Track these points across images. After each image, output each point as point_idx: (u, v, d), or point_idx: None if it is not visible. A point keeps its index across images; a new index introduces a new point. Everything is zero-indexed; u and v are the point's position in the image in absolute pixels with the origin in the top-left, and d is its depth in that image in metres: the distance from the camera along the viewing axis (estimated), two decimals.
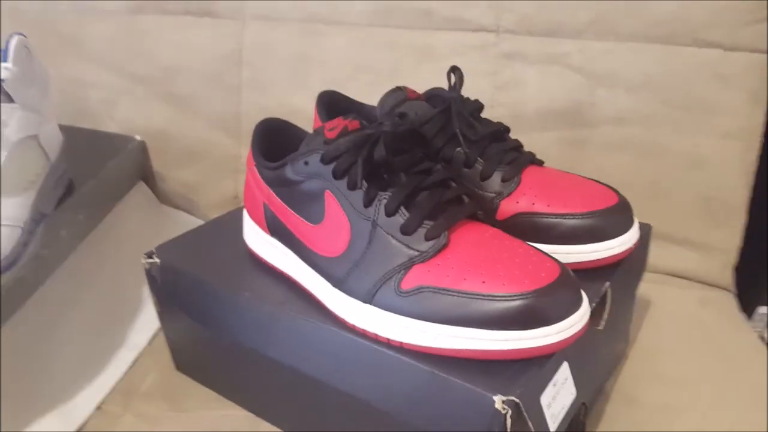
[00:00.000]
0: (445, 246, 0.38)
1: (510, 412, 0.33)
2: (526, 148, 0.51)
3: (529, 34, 0.70)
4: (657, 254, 0.52)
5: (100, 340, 0.57)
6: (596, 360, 0.47)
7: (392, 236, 0.39)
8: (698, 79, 0.65)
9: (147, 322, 0.61)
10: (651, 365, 0.54)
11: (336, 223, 0.42)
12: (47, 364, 0.53)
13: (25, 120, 0.53)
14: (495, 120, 0.52)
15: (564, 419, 0.37)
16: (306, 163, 0.43)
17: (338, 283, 0.41)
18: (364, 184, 0.40)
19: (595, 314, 0.41)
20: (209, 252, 0.53)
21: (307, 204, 0.44)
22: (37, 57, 0.58)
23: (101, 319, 0.60)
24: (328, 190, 0.42)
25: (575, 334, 0.36)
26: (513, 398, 0.33)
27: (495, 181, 0.47)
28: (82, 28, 0.83)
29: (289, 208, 0.45)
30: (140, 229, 0.72)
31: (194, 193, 0.82)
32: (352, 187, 0.41)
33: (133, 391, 0.53)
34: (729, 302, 0.65)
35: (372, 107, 0.55)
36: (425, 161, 0.43)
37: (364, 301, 0.39)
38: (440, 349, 0.36)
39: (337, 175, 0.41)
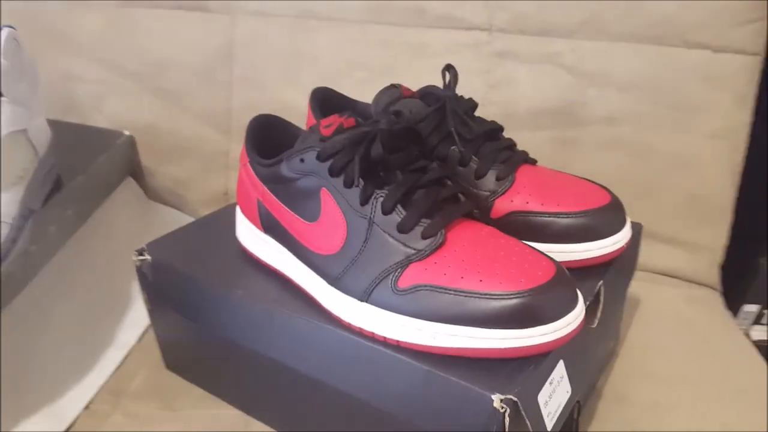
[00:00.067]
0: (441, 244, 0.38)
1: (508, 410, 0.33)
2: (518, 147, 0.51)
3: (522, 33, 0.70)
4: (644, 252, 0.53)
5: (88, 338, 0.57)
6: (589, 358, 0.47)
7: (389, 234, 0.39)
8: (687, 80, 0.66)
9: (136, 319, 0.60)
10: (641, 363, 0.54)
11: (332, 220, 0.41)
12: (34, 363, 0.52)
13: (14, 114, 0.52)
14: (487, 118, 0.52)
15: (560, 417, 0.37)
16: (302, 160, 0.43)
17: (334, 281, 0.41)
18: (361, 181, 0.40)
19: (589, 313, 0.41)
20: (201, 249, 0.52)
21: (302, 201, 0.43)
22: (27, 50, 0.57)
23: (89, 317, 0.59)
24: (323, 188, 0.42)
25: (571, 332, 0.36)
26: (511, 397, 0.33)
27: (489, 179, 0.47)
28: (70, 21, 0.82)
29: (283, 206, 0.45)
30: (129, 225, 0.72)
31: (183, 189, 0.82)
32: (348, 184, 0.41)
33: (122, 390, 0.53)
34: (715, 300, 0.66)
35: (366, 104, 0.55)
36: (421, 159, 0.43)
37: (361, 300, 0.39)
38: (437, 347, 0.36)
39: (333, 173, 0.41)
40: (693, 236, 0.68)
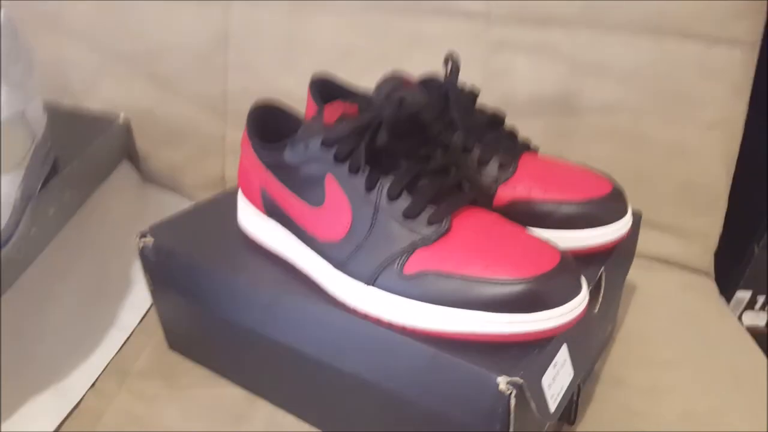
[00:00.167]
0: (447, 231, 0.39)
1: (514, 392, 0.33)
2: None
3: (520, 22, 0.70)
4: (640, 239, 0.54)
5: (90, 319, 0.57)
6: (590, 342, 0.48)
7: (395, 220, 0.39)
8: (684, 71, 0.67)
9: (137, 301, 0.60)
10: (637, 348, 0.55)
11: (337, 206, 0.42)
12: (38, 344, 0.53)
13: (11, 97, 0.52)
14: (483, 104, 0.52)
15: (562, 400, 0.38)
16: (306, 147, 0.43)
17: (339, 265, 0.41)
18: (367, 168, 0.41)
19: (591, 298, 0.42)
20: (203, 233, 0.52)
21: (306, 187, 0.44)
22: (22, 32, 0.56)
23: (90, 298, 0.59)
24: (329, 174, 0.42)
25: (576, 317, 0.37)
26: (516, 379, 0.34)
27: (492, 167, 0.48)
28: (63, 3, 0.80)
29: (287, 191, 0.45)
30: (126, 208, 0.71)
31: (180, 174, 0.81)
32: (353, 171, 0.41)
33: (126, 369, 0.53)
34: (709, 287, 0.68)
35: (366, 91, 0.55)
36: (425, 147, 0.43)
37: (367, 284, 0.40)
38: (443, 331, 0.37)
39: (338, 159, 0.41)
40: (688, 224, 0.69)
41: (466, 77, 0.52)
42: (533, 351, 0.36)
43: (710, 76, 0.66)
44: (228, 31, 0.78)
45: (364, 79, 0.54)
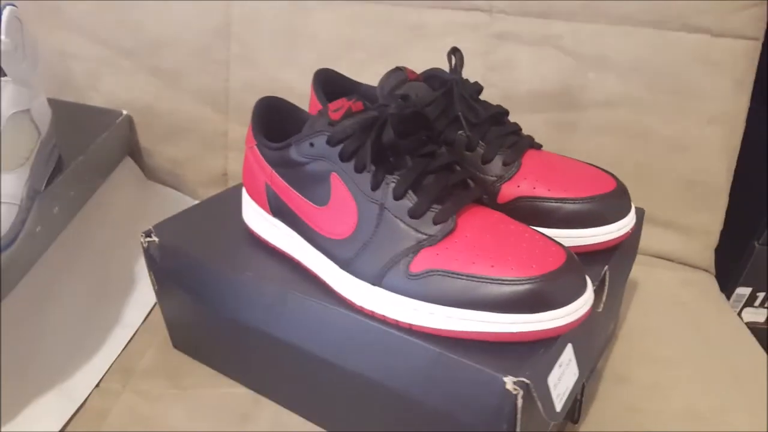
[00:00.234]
0: (453, 230, 0.39)
1: (521, 392, 0.34)
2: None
3: (522, 14, 0.70)
4: (641, 236, 0.54)
5: (94, 317, 0.57)
6: (594, 341, 0.48)
7: (400, 220, 0.40)
8: (686, 64, 0.67)
9: (141, 299, 0.61)
10: (639, 345, 0.56)
11: (342, 205, 0.42)
12: (43, 343, 0.53)
13: (17, 94, 0.52)
14: (486, 100, 0.52)
15: (567, 399, 0.38)
16: (311, 145, 0.43)
17: (345, 265, 0.41)
18: (372, 167, 0.41)
19: (595, 297, 0.42)
20: (208, 232, 0.52)
21: (311, 185, 0.44)
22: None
23: (94, 297, 0.59)
24: (334, 173, 0.42)
25: (581, 317, 0.37)
26: (523, 379, 0.34)
27: (496, 164, 0.48)
28: None
29: (292, 189, 0.45)
30: (129, 205, 0.72)
31: (182, 169, 0.81)
32: (359, 169, 0.41)
33: (131, 369, 0.53)
34: (710, 283, 0.68)
35: (369, 87, 0.55)
36: (429, 144, 0.43)
37: (372, 284, 0.40)
38: (449, 331, 0.37)
39: (344, 158, 0.41)
40: (689, 220, 0.69)
41: (468, 70, 0.52)
42: (539, 351, 0.36)
43: (713, 70, 0.66)
44: (229, 25, 0.77)
45: (366, 71, 0.54)
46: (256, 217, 0.50)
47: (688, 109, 0.68)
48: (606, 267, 0.45)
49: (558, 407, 0.37)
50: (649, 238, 0.68)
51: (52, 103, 0.63)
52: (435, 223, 0.39)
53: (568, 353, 0.38)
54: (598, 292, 0.44)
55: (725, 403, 0.50)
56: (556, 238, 0.40)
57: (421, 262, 0.38)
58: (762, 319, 0.76)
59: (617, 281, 0.49)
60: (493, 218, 0.41)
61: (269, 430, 0.48)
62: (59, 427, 0.47)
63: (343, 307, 0.41)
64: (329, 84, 0.54)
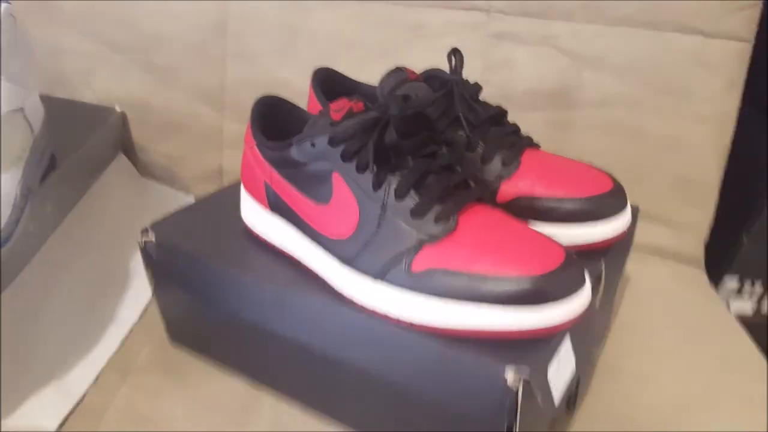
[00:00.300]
0: (454, 229, 0.39)
1: (522, 385, 0.34)
2: None
3: (521, 14, 0.70)
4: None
5: (90, 314, 0.57)
6: (590, 335, 0.49)
7: (402, 219, 0.40)
8: (680, 65, 0.67)
9: (136, 296, 0.60)
10: (632, 337, 0.57)
11: (344, 204, 0.42)
12: (39, 340, 0.53)
13: (11, 93, 0.52)
14: (484, 99, 0.52)
15: (565, 392, 0.39)
16: (313, 145, 0.43)
17: (347, 262, 0.42)
18: (374, 167, 0.41)
19: (592, 293, 0.43)
20: (206, 229, 0.52)
21: (312, 185, 0.44)
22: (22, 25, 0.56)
23: (89, 294, 0.59)
24: (335, 172, 0.42)
25: (580, 314, 0.38)
26: (524, 372, 0.35)
27: (496, 164, 0.48)
28: None
29: (293, 189, 0.45)
30: (122, 202, 0.71)
31: (177, 166, 0.81)
32: (361, 169, 0.41)
33: (129, 364, 0.53)
34: (700, 277, 0.69)
35: (369, 86, 0.55)
36: (430, 144, 0.43)
37: (374, 282, 0.40)
38: (450, 328, 0.38)
39: (345, 158, 0.41)
40: (680, 216, 0.70)
41: (467, 69, 0.52)
42: (538, 344, 0.37)
43: (705, 70, 0.67)
44: (226, 21, 0.77)
45: (365, 70, 0.54)
46: (255, 216, 0.50)
47: (681, 109, 0.68)
48: (603, 264, 0.46)
49: (557, 399, 0.38)
50: (641, 233, 0.69)
51: (45, 99, 0.62)
52: (437, 221, 0.39)
53: (567, 346, 0.39)
54: (595, 288, 0.45)
55: (715, 393, 0.51)
56: (553, 236, 0.41)
57: (422, 261, 0.39)
58: (749, 311, 0.78)
59: (612, 276, 0.50)
60: (494, 217, 0.41)
61: (269, 423, 0.48)
62: (57, 424, 0.47)
63: (345, 304, 0.41)
64: (328, 83, 0.54)
